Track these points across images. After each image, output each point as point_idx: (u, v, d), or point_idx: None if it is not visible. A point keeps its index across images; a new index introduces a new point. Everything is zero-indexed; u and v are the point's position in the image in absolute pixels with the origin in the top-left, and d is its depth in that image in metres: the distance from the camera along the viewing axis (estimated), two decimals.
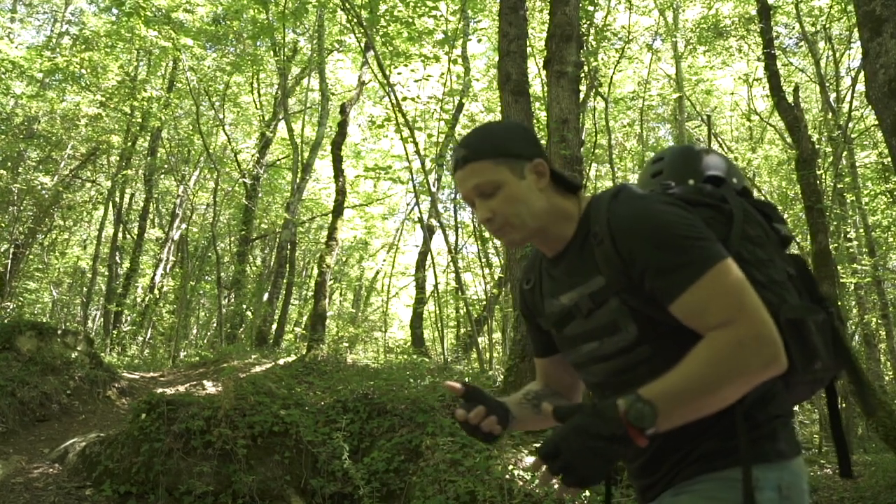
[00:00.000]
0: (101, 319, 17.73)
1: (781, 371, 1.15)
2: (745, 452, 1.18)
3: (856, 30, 7.84)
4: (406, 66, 12.15)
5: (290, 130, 14.73)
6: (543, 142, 8.74)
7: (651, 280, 1.22)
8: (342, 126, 11.81)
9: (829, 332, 1.29)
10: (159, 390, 7.30)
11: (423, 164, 10.39)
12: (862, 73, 4.85)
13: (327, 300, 11.17)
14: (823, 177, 10.70)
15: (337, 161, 11.58)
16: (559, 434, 1.13)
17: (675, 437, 1.22)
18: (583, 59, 7.18)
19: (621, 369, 1.31)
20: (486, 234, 13.71)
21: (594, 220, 1.31)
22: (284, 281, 14.08)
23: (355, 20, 10.90)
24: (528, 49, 7.97)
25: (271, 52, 14.91)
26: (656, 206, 1.25)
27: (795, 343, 1.22)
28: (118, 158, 17.12)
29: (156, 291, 16.69)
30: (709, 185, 1.44)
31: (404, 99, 10.90)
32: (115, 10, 13.87)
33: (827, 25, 11.35)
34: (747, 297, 1.16)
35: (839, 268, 11.42)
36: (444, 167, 11.12)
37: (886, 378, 12.79)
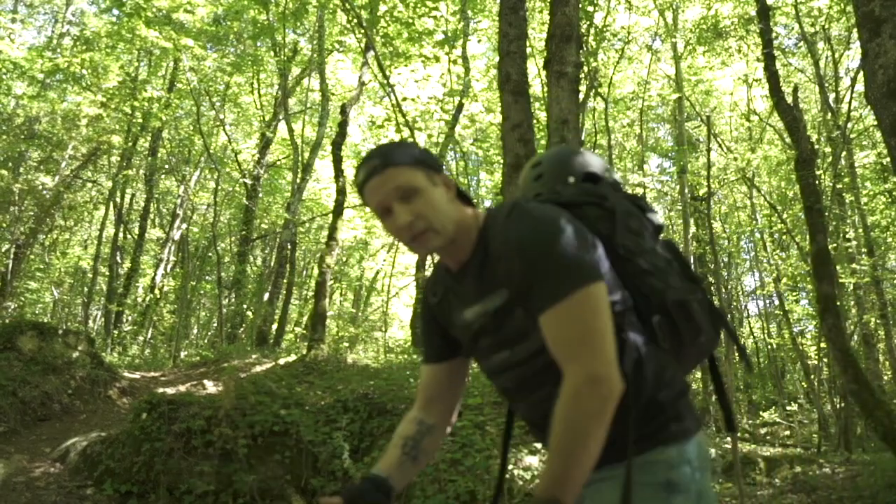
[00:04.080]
0: (102, 319, 17.76)
1: (618, 396, 1.21)
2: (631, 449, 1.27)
3: (855, 30, 7.86)
4: (406, 66, 12.17)
5: (291, 131, 14.75)
6: (543, 142, 8.75)
7: (528, 291, 1.29)
8: (342, 126, 11.82)
9: (707, 307, 1.43)
10: (160, 390, 7.32)
11: None
12: (861, 74, 4.87)
13: (327, 300, 11.18)
14: (822, 177, 10.71)
15: (337, 161, 11.59)
16: None
17: None
18: (582, 59, 7.19)
19: (533, 373, 1.37)
20: None
21: (493, 237, 1.36)
22: (285, 281, 14.10)
23: (355, 21, 10.93)
24: (528, 49, 7.98)
25: (272, 53, 14.93)
26: (543, 222, 1.30)
27: (683, 321, 1.36)
28: (119, 159, 17.15)
29: (156, 291, 16.71)
30: (588, 183, 1.56)
31: (404, 99, 10.92)
32: (115, 11, 13.89)
33: (826, 26, 11.36)
34: (594, 332, 1.23)
35: (838, 268, 11.44)
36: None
37: (885, 378, 12.80)
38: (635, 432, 1.27)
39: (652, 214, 1.53)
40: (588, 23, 10.28)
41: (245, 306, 15.64)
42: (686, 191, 14.66)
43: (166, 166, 17.41)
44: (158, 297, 16.72)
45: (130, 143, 16.59)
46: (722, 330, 1.49)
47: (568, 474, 1.19)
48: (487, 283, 1.37)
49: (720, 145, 14.11)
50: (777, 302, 14.99)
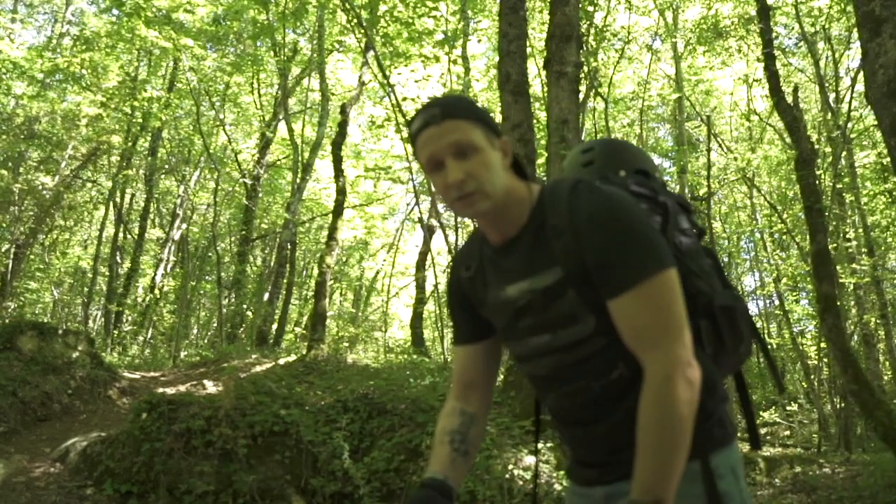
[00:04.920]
0: (102, 319, 17.76)
1: (700, 383, 1.17)
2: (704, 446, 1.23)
3: (855, 30, 7.85)
4: (406, 66, 12.16)
5: (291, 131, 14.74)
6: (543, 142, 8.76)
7: (600, 272, 1.21)
8: (342, 126, 11.82)
9: (747, 316, 1.37)
10: (160, 390, 7.32)
11: None
12: (861, 74, 4.87)
13: (327, 300, 11.17)
14: (823, 177, 10.71)
15: (337, 161, 11.58)
16: None
17: (627, 432, 1.21)
18: (582, 59, 7.19)
19: (573, 362, 1.30)
20: None
21: (551, 212, 1.28)
22: (285, 281, 14.09)
23: (355, 20, 10.93)
24: (528, 49, 7.98)
25: (271, 53, 14.93)
26: (616, 200, 1.24)
27: (727, 327, 1.31)
28: (119, 158, 17.15)
29: (156, 291, 16.71)
30: (640, 177, 1.48)
31: (404, 99, 10.90)
32: (115, 11, 13.89)
33: (826, 26, 11.35)
34: (674, 316, 1.18)
35: (838, 267, 11.43)
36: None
37: (885, 378, 12.80)
38: None
39: (695, 217, 1.46)
40: (588, 23, 10.29)
41: (245, 306, 15.64)
42: (686, 191, 14.66)
43: (166, 166, 17.40)
44: (158, 297, 16.72)
45: (130, 143, 16.58)
46: (756, 342, 1.43)
47: (668, 468, 1.12)
48: (539, 260, 1.28)
49: (720, 145, 14.11)
50: (777, 302, 14.98)
